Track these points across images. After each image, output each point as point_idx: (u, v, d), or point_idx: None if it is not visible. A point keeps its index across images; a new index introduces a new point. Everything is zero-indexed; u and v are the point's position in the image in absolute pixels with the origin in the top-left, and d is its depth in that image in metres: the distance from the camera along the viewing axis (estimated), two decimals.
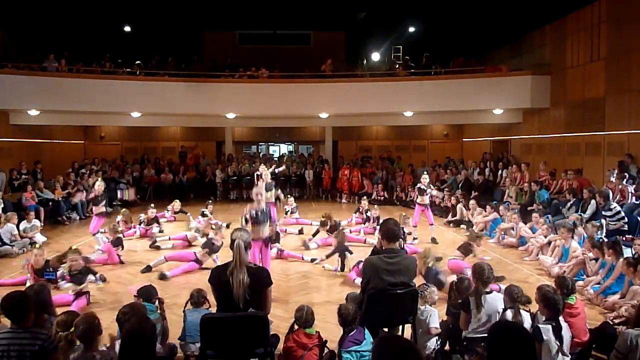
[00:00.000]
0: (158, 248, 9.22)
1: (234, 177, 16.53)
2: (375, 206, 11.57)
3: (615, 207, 8.41)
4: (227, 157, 17.62)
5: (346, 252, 7.61)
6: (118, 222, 10.36)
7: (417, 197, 9.95)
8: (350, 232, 10.17)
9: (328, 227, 9.37)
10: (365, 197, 12.74)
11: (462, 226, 11.54)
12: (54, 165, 15.37)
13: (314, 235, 9.73)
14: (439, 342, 4.40)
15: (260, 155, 19.82)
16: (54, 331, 3.47)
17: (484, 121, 16.67)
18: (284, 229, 10.58)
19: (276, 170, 11.82)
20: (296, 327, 4.09)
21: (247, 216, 6.20)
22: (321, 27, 19.05)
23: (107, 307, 5.97)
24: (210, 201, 12.52)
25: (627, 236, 7.95)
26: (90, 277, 6.55)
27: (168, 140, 19.59)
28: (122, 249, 8.72)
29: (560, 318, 3.86)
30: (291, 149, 21.81)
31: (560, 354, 3.63)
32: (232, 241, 3.64)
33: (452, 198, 12.70)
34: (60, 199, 12.51)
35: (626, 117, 11.10)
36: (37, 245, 7.58)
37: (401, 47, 17.60)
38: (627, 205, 8.75)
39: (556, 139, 13.76)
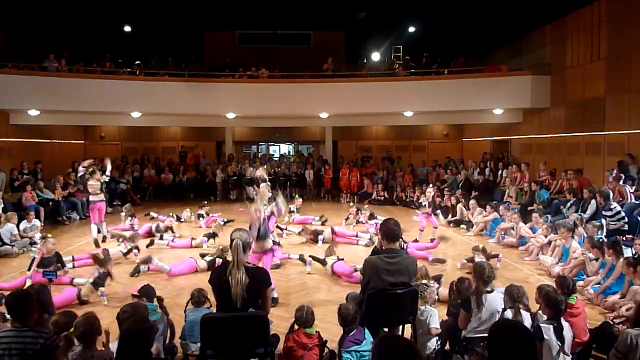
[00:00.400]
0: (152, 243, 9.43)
1: (234, 177, 16.54)
2: (366, 206, 11.42)
3: (615, 207, 8.42)
4: (228, 157, 17.62)
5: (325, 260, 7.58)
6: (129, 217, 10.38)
7: (420, 207, 10.05)
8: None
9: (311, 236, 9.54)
10: (352, 204, 12.55)
11: (462, 226, 11.54)
12: (54, 165, 15.37)
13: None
14: (439, 342, 4.40)
15: (260, 155, 19.84)
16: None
17: (484, 121, 16.67)
18: (284, 227, 10.58)
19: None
20: (296, 327, 4.09)
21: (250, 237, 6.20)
22: (321, 27, 19.05)
23: (107, 307, 5.96)
24: (205, 202, 12.35)
25: (627, 236, 7.95)
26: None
27: (168, 140, 19.59)
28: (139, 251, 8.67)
29: (562, 318, 3.87)
30: (290, 149, 21.84)
31: (561, 353, 3.63)
32: (231, 241, 3.65)
33: (452, 198, 12.70)
34: (60, 199, 12.51)
35: (626, 117, 11.10)
36: (50, 235, 7.65)
37: (401, 47, 17.60)
38: (627, 205, 8.75)
39: (556, 139, 13.76)
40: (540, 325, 3.74)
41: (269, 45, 19.17)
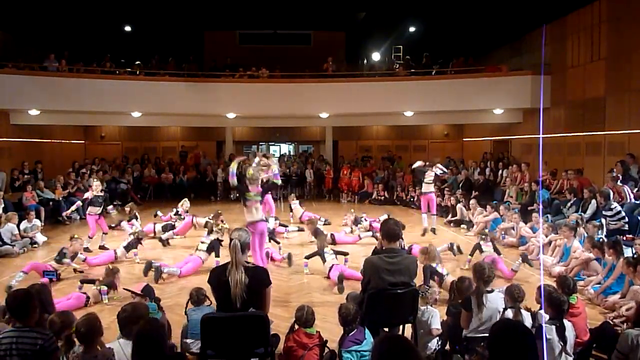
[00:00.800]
0: (167, 244, 9.54)
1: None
2: (364, 216, 11.21)
3: (615, 206, 8.41)
4: (229, 156, 17.61)
5: (324, 256, 7.49)
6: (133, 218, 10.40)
7: (422, 187, 10.06)
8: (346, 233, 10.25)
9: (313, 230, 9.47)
10: (352, 210, 12.27)
11: (462, 226, 11.54)
12: (54, 165, 15.38)
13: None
14: (439, 343, 4.41)
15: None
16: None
17: (484, 121, 16.67)
18: (284, 230, 10.57)
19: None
20: (296, 326, 4.09)
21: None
22: (321, 27, 19.05)
23: (107, 307, 5.96)
24: (186, 199, 11.74)
25: (627, 236, 7.95)
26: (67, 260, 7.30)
27: (168, 140, 19.59)
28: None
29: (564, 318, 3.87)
30: (290, 149, 21.84)
31: (563, 353, 3.63)
32: (230, 241, 3.64)
33: (452, 198, 12.70)
34: (60, 198, 12.51)
35: (626, 117, 11.09)
36: (75, 236, 7.72)
37: (401, 47, 17.59)
38: (627, 205, 8.75)
39: (556, 138, 13.76)
40: (543, 325, 3.74)
41: (269, 45, 19.16)
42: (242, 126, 19.23)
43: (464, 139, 19.59)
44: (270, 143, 21.68)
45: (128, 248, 8.31)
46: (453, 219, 12.05)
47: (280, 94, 15.15)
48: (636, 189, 9.38)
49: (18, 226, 9.48)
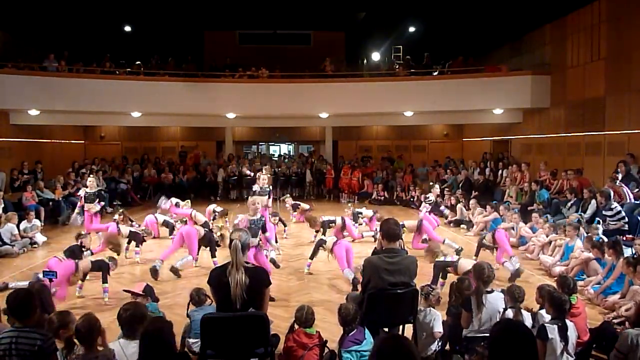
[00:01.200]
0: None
1: (235, 177, 16.55)
2: (363, 208, 11.19)
3: (615, 206, 8.40)
4: (228, 156, 17.63)
5: (322, 246, 7.51)
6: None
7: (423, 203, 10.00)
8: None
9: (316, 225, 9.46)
10: (350, 205, 12.23)
11: (462, 226, 11.54)
12: (54, 165, 15.37)
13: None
14: (439, 343, 4.40)
15: (261, 155, 19.84)
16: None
17: (484, 121, 16.66)
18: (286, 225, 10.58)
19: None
20: (296, 326, 4.09)
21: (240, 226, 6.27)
22: (321, 27, 19.04)
23: (107, 307, 5.96)
24: (188, 201, 11.16)
25: (627, 236, 7.95)
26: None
27: (168, 140, 19.58)
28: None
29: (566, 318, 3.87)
30: (290, 149, 21.85)
31: (565, 353, 3.63)
32: (230, 242, 3.64)
33: (452, 198, 12.71)
34: (60, 198, 12.51)
35: (626, 117, 11.09)
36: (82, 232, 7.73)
37: (401, 47, 17.59)
38: (627, 205, 8.75)
39: (556, 138, 13.76)
40: (545, 325, 3.74)
41: (269, 45, 19.15)
42: (242, 126, 19.22)
43: (464, 139, 19.59)
44: (270, 143, 21.69)
45: (131, 236, 8.32)
46: (453, 219, 12.05)
47: (280, 94, 15.15)
48: (637, 189, 9.37)
49: (18, 226, 9.47)
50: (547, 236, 8.43)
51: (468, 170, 15.08)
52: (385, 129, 19.76)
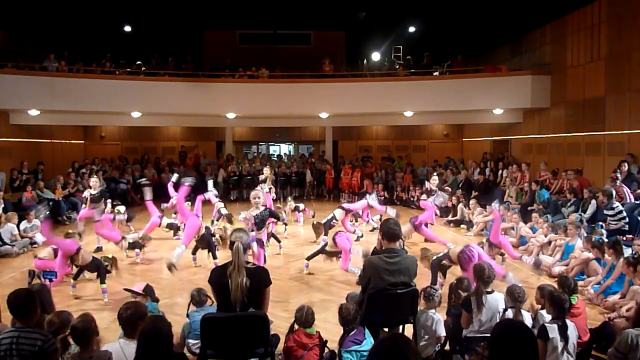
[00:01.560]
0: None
1: (235, 177, 16.54)
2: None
3: (617, 206, 8.37)
4: (227, 157, 17.62)
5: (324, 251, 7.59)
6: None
7: (422, 195, 9.96)
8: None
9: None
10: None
11: (462, 226, 11.54)
12: (54, 165, 15.37)
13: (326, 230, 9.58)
14: (439, 344, 4.40)
15: (261, 155, 19.84)
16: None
17: (484, 121, 16.66)
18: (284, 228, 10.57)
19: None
20: (296, 326, 4.09)
21: (245, 221, 6.28)
22: (321, 27, 19.03)
23: (107, 307, 5.96)
24: (188, 202, 11.71)
25: (627, 236, 7.94)
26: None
27: (168, 140, 19.58)
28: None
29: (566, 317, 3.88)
30: (290, 149, 21.84)
31: (565, 353, 3.63)
32: (232, 243, 3.63)
33: (453, 198, 12.70)
34: (60, 198, 12.51)
35: (626, 117, 11.09)
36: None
37: (401, 47, 17.59)
38: (627, 205, 8.74)
39: (556, 138, 13.76)
40: (545, 324, 3.74)
41: (269, 45, 19.15)
42: (242, 126, 19.22)
43: (464, 139, 19.59)
44: (270, 143, 21.69)
45: (132, 245, 8.29)
46: (453, 218, 12.05)
47: (280, 94, 15.14)
48: (638, 189, 9.37)
49: (18, 226, 9.47)
50: (545, 236, 8.43)
51: (468, 170, 15.07)
52: (385, 129, 19.77)
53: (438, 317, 4.38)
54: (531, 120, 15.17)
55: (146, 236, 8.66)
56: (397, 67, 16.70)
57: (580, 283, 6.42)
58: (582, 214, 9.19)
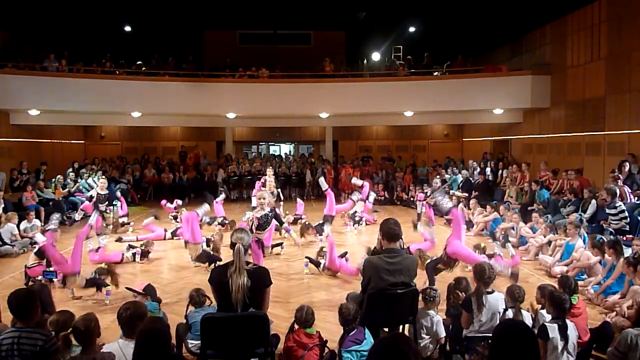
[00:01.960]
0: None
1: (235, 177, 16.55)
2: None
3: (620, 205, 8.33)
4: (226, 157, 17.62)
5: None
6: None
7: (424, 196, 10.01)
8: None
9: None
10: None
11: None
12: (54, 165, 15.37)
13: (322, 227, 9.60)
14: (439, 344, 4.40)
15: (262, 155, 19.84)
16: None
17: (484, 121, 16.67)
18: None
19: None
20: (296, 326, 4.09)
21: (252, 224, 6.34)
22: (321, 27, 19.04)
23: (107, 307, 5.96)
24: (183, 209, 11.27)
25: (627, 236, 7.94)
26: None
27: (168, 140, 19.59)
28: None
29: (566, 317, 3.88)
30: (290, 149, 21.84)
31: (565, 353, 3.63)
32: (233, 244, 3.63)
33: (453, 198, 12.68)
34: (60, 198, 12.50)
35: (626, 117, 11.10)
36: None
37: (401, 47, 17.60)
38: (627, 205, 8.74)
39: (556, 138, 13.76)
40: (546, 324, 3.74)
41: (269, 45, 19.15)
42: (242, 126, 19.23)
43: (464, 139, 19.60)
44: (270, 143, 21.69)
45: (135, 255, 8.27)
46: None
47: (280, 94, 15.14)
48: (638, 190, 9.37)
49: (18, 226, 9.46)
50: (544, 236, 8.43)
51: (468, 171, 15.07)
52: (385, 129, 19.77)
53: (438, 318, 4.38)
54: (531, 120, 15.17)
55: (148, 242, 8.65)
56: (398, 67, 16.70)
57: (580, 283, 6.42)
58: (582, 214, 9.19)
